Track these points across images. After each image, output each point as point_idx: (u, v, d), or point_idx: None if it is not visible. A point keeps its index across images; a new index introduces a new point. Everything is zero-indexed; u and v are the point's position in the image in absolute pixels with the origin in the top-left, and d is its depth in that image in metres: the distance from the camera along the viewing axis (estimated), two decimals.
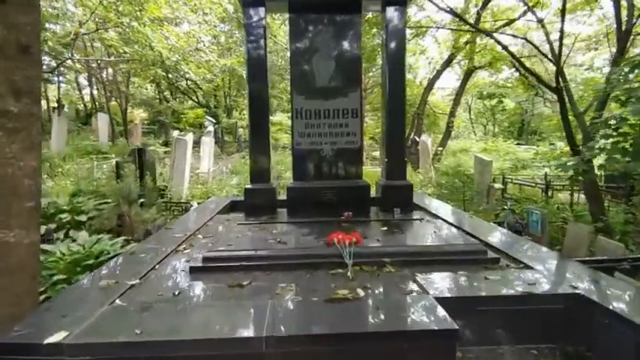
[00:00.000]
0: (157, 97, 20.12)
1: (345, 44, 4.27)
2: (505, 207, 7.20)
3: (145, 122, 22.87)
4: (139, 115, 23.23)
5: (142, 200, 5.94)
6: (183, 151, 7.74)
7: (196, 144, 11.35)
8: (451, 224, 3.76)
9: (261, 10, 4.08)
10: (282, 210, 4.29)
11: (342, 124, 4.31)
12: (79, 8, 6.40)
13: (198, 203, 6.58)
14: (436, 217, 4.22)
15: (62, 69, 17.22)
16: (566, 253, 5.95)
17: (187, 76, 8.74)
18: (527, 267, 2.54)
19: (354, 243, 2.72)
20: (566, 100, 5.93)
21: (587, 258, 4.77)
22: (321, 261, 2.56)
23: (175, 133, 9.03)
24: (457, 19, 10.27)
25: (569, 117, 6.13)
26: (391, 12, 4.12)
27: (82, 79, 18.86)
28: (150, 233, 4.52)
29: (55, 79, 17.82)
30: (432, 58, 19.15)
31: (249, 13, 4.08)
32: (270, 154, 4.33)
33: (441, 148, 13.57)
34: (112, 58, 7.43)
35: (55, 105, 18.88)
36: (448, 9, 7.52)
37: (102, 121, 14.48)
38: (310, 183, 4.29)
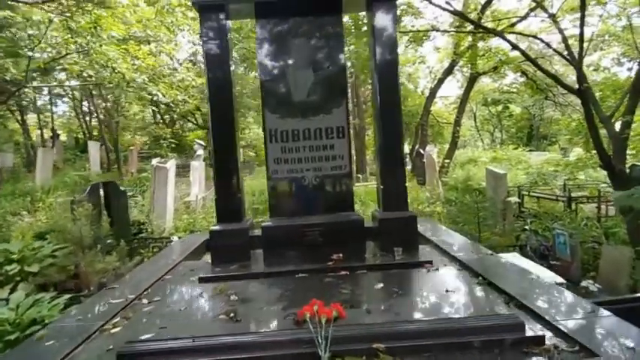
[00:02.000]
0: (154, 121, 19.66)
1: (326, 51, 3.56)
2: (526, 227, 6.34)
3: (146, 147, 22.43)
4: (139, 140, 22.83)
5: (109, 242, 5.22)
6: (164, 179, 7.06)
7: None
8: (468, 268, 2.95)
9: (221, 16, 3.39)
10: (260, 253, 3.52)
11: (326, 146, 3.56)
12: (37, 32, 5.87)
13: (179, 238, 5.85)
14: (447, 254, 3.41)
15: (54, 97, 16.93)
16: (603, 282, 5.06)
17: (155, 98, 8.13)
18: (588, 351, 1.72)
19: (333, 319, 1.93)
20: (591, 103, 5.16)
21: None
22: (284, 353, 1.77)
23: (155, 161, 8.36)
24: (456, 25, 9.61)
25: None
26: (378, 10, 3.40)
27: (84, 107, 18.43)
28: (104, 286, 3.76)
29: (48, 107, 17.49)
30: (433, 67, 18.55)
31: (206, 19, 3.39)
32: (240, 185, 3.58)
33: (447, 160, 12.74)
34: (74, 83, 6.85)
35: (51, 134, 18.50)
36: (452, 9, 6.87)
37: (93, 149, 13.96)
38: (290, 220, 3.51)
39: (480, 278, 2.73)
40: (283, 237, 3.45)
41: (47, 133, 18.54)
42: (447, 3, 5.72)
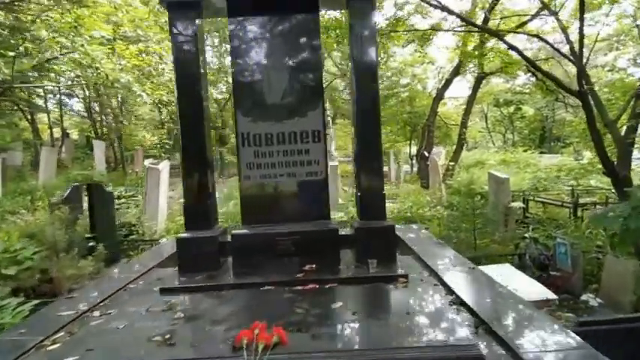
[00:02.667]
0: (161, 121, 19.80)
1: (302, 50, 3.38)
2: (526, 235, 6.04)
3: (156, 145, 22.58)
4: (148, 139, 23.02)
5: (90, 244, 5.15)
6: (156, 180, 6.98)
7: None
8: (444, 284, 2.75)
9: (192, 13, 3.25)
10: (231, 262, 3.37)
11: (302, 150, 3.38)
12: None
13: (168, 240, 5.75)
14: (427, 268, 3.21)
15: (64, 97, 17.16)
16: (605, 296, 4.76)
17: (139, 99, 8.07)
18: None
19: (272, 345, 1.76)
20: (593, 106, 4.86)
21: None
22: None
23: (147, 162, 8.30)
24: (461, 25, 9.32)
25: (598, 125, 5.04)
26: (356, 6, 3.21)
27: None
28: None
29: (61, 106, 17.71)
30: (442, 67, 18.19)
31: (175, 18, 3.25)
32: (212, 189, 3.43)
33: (452, 163, 12.41)
34: (61, 84, 6.84)
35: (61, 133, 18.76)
36: (458, 12, 6.62)
37: (98, 149, 14.07)
38: (262, 228, 3.35)
39: (454, 297, 2.53)
40: (254, 245, 3.29)
41: (59, 133, 18.84)
42: (443, 6, 5.48)
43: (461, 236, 6.35)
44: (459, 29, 8.41)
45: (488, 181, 8.34)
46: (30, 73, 6.66)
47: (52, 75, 6.27)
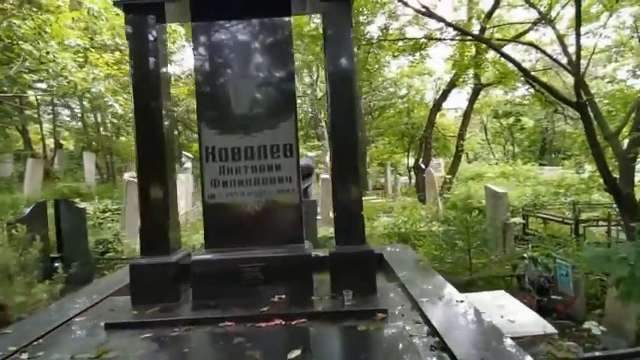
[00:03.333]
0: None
1: (272, 57, 3.09)
2: (525, 255, 5.65)
3: None
4: None
5: (56, 265, 4.78)
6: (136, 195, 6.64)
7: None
8: (428, 322, 2.39)
9: (151, 17, 2.96)
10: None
11: (272, 166, 3.06)
12: None
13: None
14: (410, 299, 2.85)
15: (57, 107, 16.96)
16: (608, 323, 4.37)
17: (111, 110, 7.80)
18: None
19: None
20: (592, 118, 4.55)
21: None
22: None
23: (127, 175, 8.00)
24: (459, 34, 9.10)
25: (599, 138, 4.72)
26: (330, 10, 2.93)
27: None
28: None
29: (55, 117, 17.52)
30: (439, 79, 18.00)
31: (133, 21, 2.97)
32: (171, 209, 3.10)
33: (449, 176, 12.07)
34: (30, 93, 6.58)
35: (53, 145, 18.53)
36: (453, 23, 6.39)
37: (87, 160, 13.80)
38: (227, 253, 3.00)
39: (437, 340, 2.17)
40: (218, 273, 2.94)
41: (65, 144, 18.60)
42: (434, 14, 5.22)
43: (456, 255, 5.97)
44: (452, 38, 8.17)
45: (485, 196, 8.00)
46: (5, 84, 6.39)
47: (25, 84, 6.01)
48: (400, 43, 8.44)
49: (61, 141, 17.10)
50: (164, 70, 3.11)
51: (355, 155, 2.98)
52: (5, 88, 6.08)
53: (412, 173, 17.09)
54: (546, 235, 7.23)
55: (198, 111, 3.10)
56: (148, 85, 2.98)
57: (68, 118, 19.13)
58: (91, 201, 10.13)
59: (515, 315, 3.51)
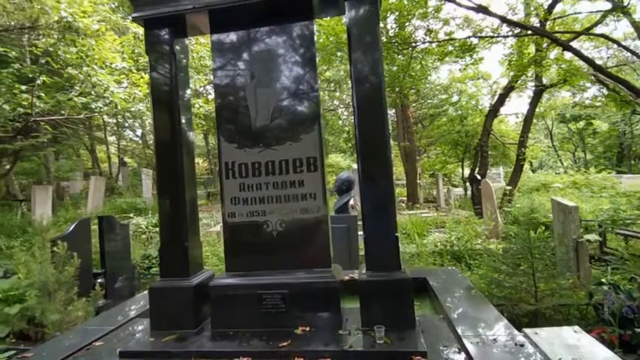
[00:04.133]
0: (207, 148, 20.44)
1: (294, 65, 2.84)
2: (603, 280, 4.79)
3: (205, 172, 23.36)
4: (200, 166, 23.95)
5: (100, 281, 4.89)
6: None
7: None
8: None
9: (170, 32, 2.87)
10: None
11: (295, 181, 2.78)
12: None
13: None
14: (455, 337, 2.38)
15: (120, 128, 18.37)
16: None
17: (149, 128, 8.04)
18: None
19: None
20: None
21: None
22: None
23: None
24: (513, 29, 8.31)
25: None
26: (354, 9, 2.63)
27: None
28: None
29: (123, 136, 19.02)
30: (495, 82, 16.86)
31: (151, 34, 2.89)
32: (190, 229, 2.93)
33: (510, 187, 11.01)
34: (82, 115, 6.99)
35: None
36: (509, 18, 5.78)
37: (145, 176, 14.62)
38: (247, 277, 2.75)
39: None
40: (237, 299, 2.70)
41: (129, 161, 20.14)
42: (483, 8, 4.69)
43: (518, 279, 5.23)
44: (508, 35, 7.44)
45: (552, 209, 7.07)
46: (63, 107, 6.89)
47: (75, 107, 6.43)
48: (449, 47, 7.90)
49: (125, 159, 18.43)
50: (182, 84, 2.99)
51: (387, 168, 2.60)
52: (63, 112, 6.59)
53: (467, 184, 16.00)
54: (629, 256, 6.15)
55: (217, 125, 2.93)
56: (167, 100, 2.87)
57: (134, 137, 20.68)
58: (146, 215, 10.62)
59: (591, 357, 2.87)
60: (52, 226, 9.60)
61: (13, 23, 5.29)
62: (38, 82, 5.79)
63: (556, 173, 20.54)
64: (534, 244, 5.17)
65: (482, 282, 5.29)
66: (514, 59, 8.93)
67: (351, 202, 6.40)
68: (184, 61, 3.06)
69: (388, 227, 2.58)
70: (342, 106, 21.03)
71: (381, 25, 8.52)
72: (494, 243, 7.45)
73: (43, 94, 6.09)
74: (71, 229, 4.50)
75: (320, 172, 2.76)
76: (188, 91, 3.09)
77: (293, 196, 2.78)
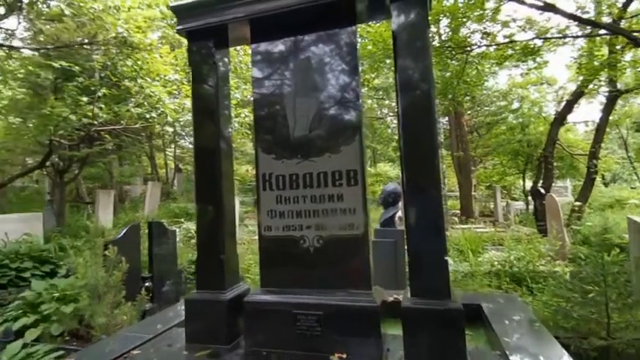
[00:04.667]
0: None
1: (335, 72, 2.69)
2: None
3: (254, 179, 23.99)
4: (249, 172, 24.69)
5: (147, 284, 5.04)
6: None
7: None
8: None
9: (213, 43, 2.86)
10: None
11: (333, 195, 2.61)
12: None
13: None
14: None
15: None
16: None
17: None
18: None
19: None
20: None
21: None
22: None
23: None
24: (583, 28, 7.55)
25: None
26: (401, 12, 2.43)
27: None
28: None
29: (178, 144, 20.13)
30: (561, 87, 15.54)
31: (195, 48, 2.90)
32: (227, 240, 2.86)
33: (579, 203, 9.95)
34: (138, 125, 7.36)
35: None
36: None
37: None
38: (281, 295, 2.62)
39: None
40: (270, 318, 2.57)
41: (183, 168, 21.36)
42: (550, 6, 4.23)
43: (587, 309, 4.60)
44: (578, 36, 6.73)
45: (628, 229, 6.22)
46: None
47: (131, 117, 6.86)
48: (509, 51, 7.33)
49: (180, 165, 19.48)
50: (225, 95, 2.97)
51: (436, 183, 2.34)
52: (122, 122, 7.07)
53: (529, 198, 14.79)
54: None
55: (255, 135, 2.85)
56: (209, 110, 2.85)
57: (189, 145, 21.85)
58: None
59: None
60: (112, 228, 10.29)
61: (77, 39, 5.80)
62: (99, 94, 6.29)
63: (632, 188, 18.40)
64: (608, 269, 4.52)
65: (545, 311, 4.71)
66: (584, 62, 8.09)
67: (398, 214, 6.10)
68: (226, 71, 3.04)
69: (437, 249, 2.31)
70: (390, 114, 20.60)
71: (434, 29, 8.17)
72: (560, 265, 6.70)
73: (103, 106, 6.60)
74: (123, 233, 4.70)
75: (360, 186, 2.56)
76: (229, 102, 3.06)
77: (331, 211, 2.61)
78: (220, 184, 2.82)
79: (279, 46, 2.82)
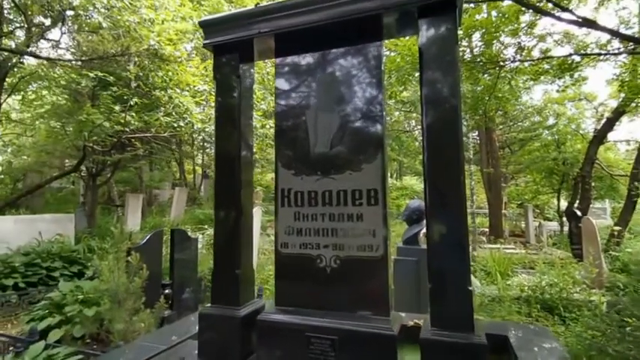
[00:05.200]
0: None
1: (358, 88, 2.63)
2: None
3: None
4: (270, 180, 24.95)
5: (166, 291, 5.10)
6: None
7: None
8: None
9: (238, 57, 2.87)
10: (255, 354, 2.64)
11: (352, 215, 2.53)
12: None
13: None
14: None
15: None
16: None
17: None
18: None
19: None
20: None
21: None
22: None
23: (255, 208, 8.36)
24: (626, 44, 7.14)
25: None
26: (429, 28, 2.34)
27: None
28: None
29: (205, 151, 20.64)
30: (601, 104, 14.82)
31: (221, 62, 2.92)
32: (244, 254, 2.82)
33: (619, 228, 9.34)
34: (166, 134, 7.55)
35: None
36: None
37: None
38: (295, 315, 2.54)
39: None
40: (283, 339, 2.50)
41: (210, 174, 21.89)
42: (589, 22, 4.00)
43: (626, 344, 4.25)
44: (619, 52, 6.36)
45: None
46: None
47: (161, 125, 7.10)
48: (545, 65, 7.05)
49: (208, 171, 19.91)
50: (248, 108, 2.96)
51: (460, 202, 2.21)
52: (152, 129, 7.31)
53: (564, 219, 14.06)
54: None
55: (275, 150, 2.82)
56: (231, 123, 2.85)
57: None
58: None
59: None
60: (140, 232, 10.57)
61: (111, 51, 6.09)
62: (131, 103, 6.55)
63: None
64: None
65: (578, 345, 4.40)
66: (627, 79, 7.65)
67: (423, 231, 5.90)
68: (250, 83, 3.05)
69: (460, 275, 2.17)
70: (418, 126, 20.29)
71: (465, 43, 8.00)
72: (596, 294, 6.27)
73: (134, 114, 6.86)
74: (146, 240, 4.79)
75: (381, 206, 2.47)
76: (251, 113, 3.06)
77: (350, 231, 2.52)
78: (239, 199, 2.80)
79: (303, 60, 2.79)
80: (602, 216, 17.13)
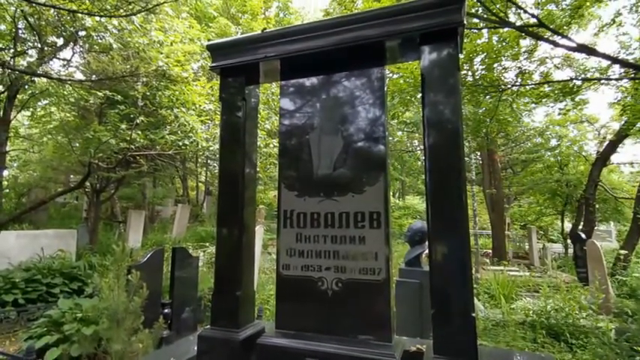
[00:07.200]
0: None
1: (361, 112, 2.67)
2: None
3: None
4: (272, 196, 24.95)
5: (166, 311, 5.04)
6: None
7: None
8: None
9: (244, 80, 2.93)
10: None
11: (355, 237, 2.52)
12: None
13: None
14: None
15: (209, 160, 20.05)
16: None
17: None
18: None
19: None
20: None
21: None
22: None
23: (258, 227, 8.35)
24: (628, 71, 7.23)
25: None
26: (431, 53, 2.40)
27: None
28: None
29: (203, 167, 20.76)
30: (604, 126, 14.89)
31: (227, 85, 2.98)
32: (245, 275, 2.81)
33: (625, 251, 9.22)
34: (171, 152, 7.64)
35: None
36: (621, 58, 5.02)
37: None
38: (295, 339, 2.50)
39: None
40: None
41: (213, 190, 21.95)
42: (588, 48, 4.08)
43: None
44: (621, 78, 6.43)
45: None
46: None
47: (166, 143, 7.22)
48: (546, 88, 7.13)
49: (210, 188, 19.94)
50: (252, 129, 3.01)
51: (463, 228, 2.20)
52: (157, 147, 7.41)
53: (568, 241, 13.91)
54: None
55: (279, 171, 2.84)
56: (235, 144, 2.89)
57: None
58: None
59: None
60: (141, 248, 10.53)
61: (120, 71, 6.25)
62: (137, 121, 6.67)
63: None
64: None
65: None
66: (629, 103, 7.70)
67: (426, 252, 5.86)
68: (255, 104, 3.10)
69: (463, 301, 2.14)
70: (420, 146, 20.39)
71: (467, 66, 8.13)
72: (604, 320, 6.13)
73: (140, 132, 6.97)
74: (146, 258, 4.77)
75: (383, 229, 2.46)
76: (255, 133, 3.10)
77: (352, 254, 2.51)
78: (241, 220, 2.80)
79: (308, 82, 2.85)
80: (607, 239, 16.93)
